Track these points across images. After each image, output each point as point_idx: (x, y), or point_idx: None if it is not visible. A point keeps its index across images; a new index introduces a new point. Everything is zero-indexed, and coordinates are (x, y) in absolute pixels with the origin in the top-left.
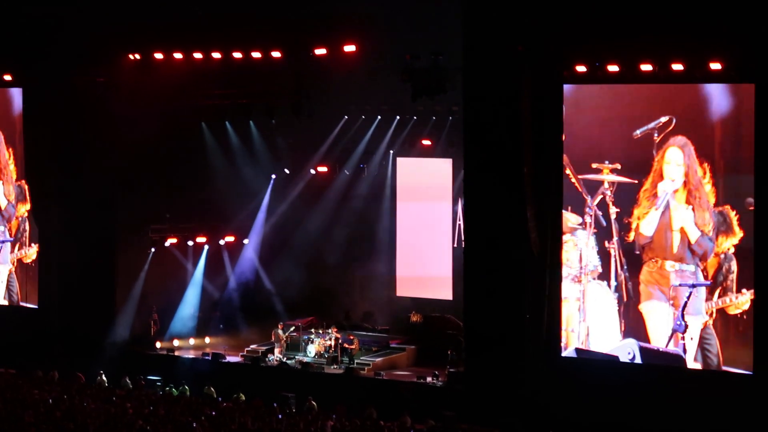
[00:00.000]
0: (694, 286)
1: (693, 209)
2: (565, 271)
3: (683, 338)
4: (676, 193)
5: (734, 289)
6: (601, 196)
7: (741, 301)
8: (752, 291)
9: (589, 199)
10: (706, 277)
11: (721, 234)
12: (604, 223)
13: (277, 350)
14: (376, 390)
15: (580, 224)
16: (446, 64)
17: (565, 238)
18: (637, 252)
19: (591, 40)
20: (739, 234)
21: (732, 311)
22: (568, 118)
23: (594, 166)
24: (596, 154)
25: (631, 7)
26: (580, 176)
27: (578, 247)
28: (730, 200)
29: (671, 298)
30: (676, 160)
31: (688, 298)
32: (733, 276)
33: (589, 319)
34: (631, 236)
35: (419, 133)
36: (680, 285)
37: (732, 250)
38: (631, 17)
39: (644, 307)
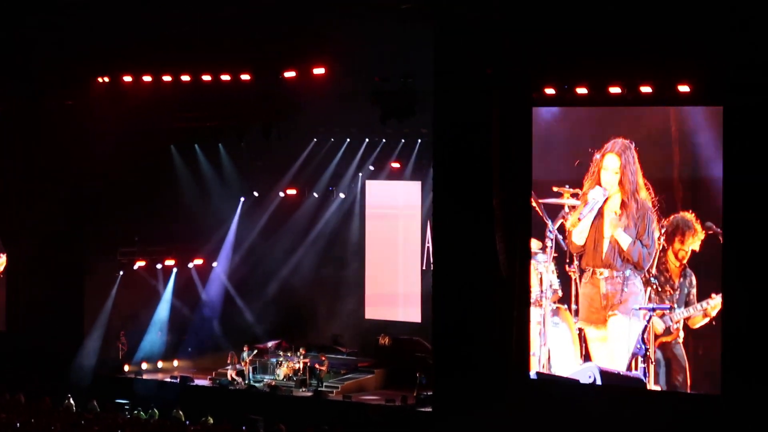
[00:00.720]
0: (653, 309)
1: (626, 216)
2: (537, 295)
3: (644, 361)
4: (608, 200)
5: (695, 301)
6: (561, 220)
7: (700, 312)
8: (713, 302)
9: (549, 223)
10: (646, 283)
11: (676, 239)
12: (565, 247)
13: (231, 372)
14: (345, 413)
15: (540, 248)
16: (416, 86)
17: (537, 258)
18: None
19: (560, 63)
20: (700, 237)
21: (695, 324)
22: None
23: (555, 189)
24: (556, 177)
25: (600, 30)
26: (541, 200)
27: (539, 270)
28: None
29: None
30: (612, 167)
31: (648, 321)
32: (694, 290)
33: (549, 343)
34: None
35: (388, 155)
36: (640, 308)
37: (687, 257)
38: (599, 40)
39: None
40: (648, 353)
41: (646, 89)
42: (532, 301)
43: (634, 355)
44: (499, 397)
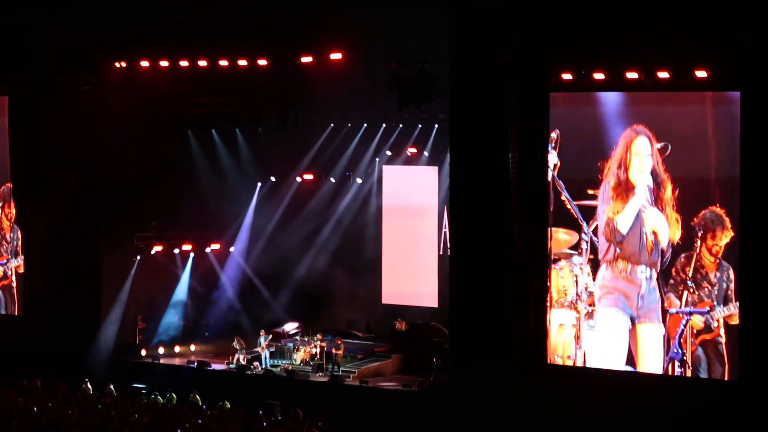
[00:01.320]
0: (691, 313)
1: (663, 209)
2: (562, 298)
3: (681, 366)
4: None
5: (734, 297)
6: (597, 223)
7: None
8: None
9: (584, 225)
10: (681, 287)
11: (708, 236)
12: (598, 242)
13: (240, 356)
14: (362, 398)
15: (576, 250)
16: (432, 72)
17: (561, 264)
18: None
19: (577, 48)
20: (729, 234)
21: (734, 321)
22: (564, 144)
23: (590, 192)
24: (591, 179)
25: (616, 15)
26: (576, 202)
27: (574, 273)
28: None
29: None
30: (645, 150)
31: (685, 325)
32: (732, 284)
33: (585, 346)
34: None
35: (405, 141)
36: (677, 312)
37: (721, 252)
38: (616, 25)
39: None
40: (685, 357)
41: (663, 75)
42: (567, 303)
43: (671, 360)
44: (516, 383)
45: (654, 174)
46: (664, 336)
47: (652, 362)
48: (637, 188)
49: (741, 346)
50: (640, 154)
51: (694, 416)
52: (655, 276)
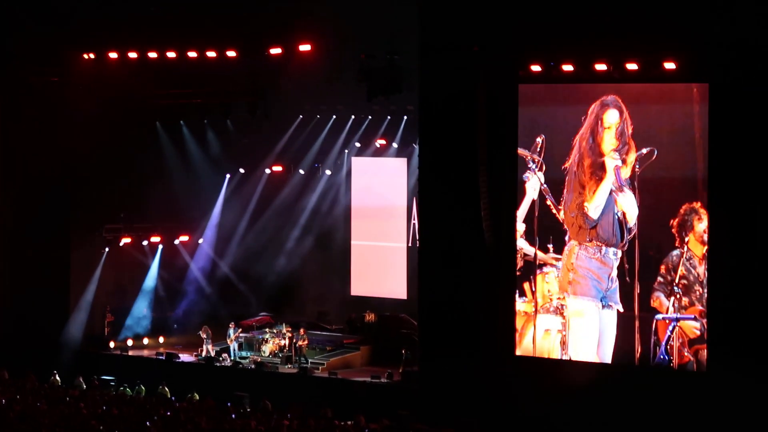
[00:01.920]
0: (678, 319)
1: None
2: (548, 303)
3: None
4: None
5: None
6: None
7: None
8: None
9: (568, 231)
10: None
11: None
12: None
13: (207, 347)
14: (331, 389)
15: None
16: (402, 63)
17: (546, 269)
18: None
19: (546, 40)
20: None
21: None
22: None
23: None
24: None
25: (586, 7)
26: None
27: (558, 278)
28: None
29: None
30: (614, 121)
31: (672, 331)
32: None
33: (570, 351)
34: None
35: (374, 132)
36: (663, 318)
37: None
38: (585, 17)
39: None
40: (672, 364)
41: (631, 66)
42: (552, 309)
43: (658, 365)
44: (485, 374)
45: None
46: (618, 319)
47: (607, 347)
48: (608, 169)
49: (710, 337)
50: (611, 128)
51: (665, 406)
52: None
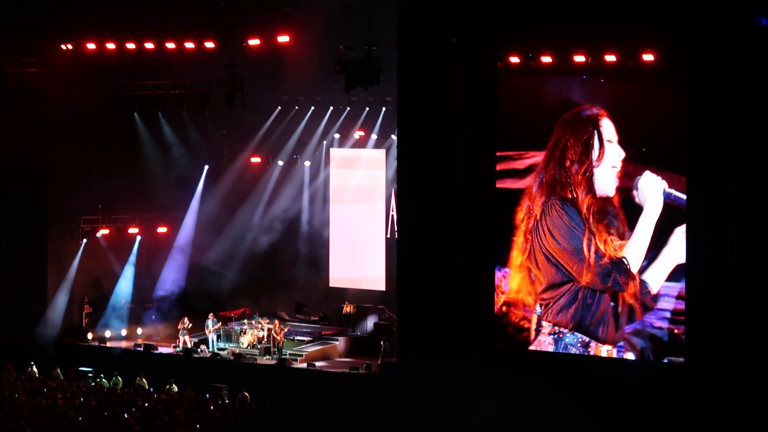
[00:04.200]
0: None
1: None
2: None
3: None
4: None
5: None
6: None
7: None
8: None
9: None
10: None
11: None
12: None
13: (183, 337)
14: (309, 381)
15: None
16: (380, 55)
17: None
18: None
19: (524, 32)
20: None
21: None
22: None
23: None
24: None
25: None
26: None
27: None
28: None
29: None
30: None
31: None
32: None
33: None
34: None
35: (353, 123)
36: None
37: None
38: (564, 8)
39: None
40: None
41: (610, 58)
42: None
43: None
44: (463, 365)
45: None
46: None
47: None
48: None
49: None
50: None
51: (645, 398)
52: None
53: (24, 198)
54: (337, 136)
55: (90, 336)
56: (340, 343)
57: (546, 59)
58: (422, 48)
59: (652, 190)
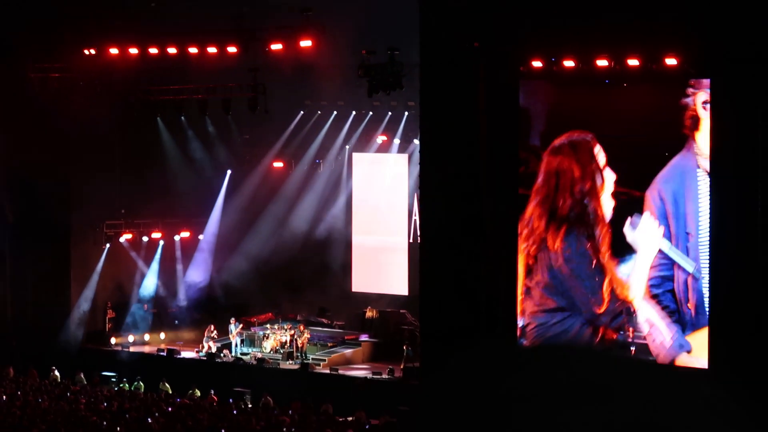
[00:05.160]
0: None
1: None
2: None
3: None
4: None
5: None
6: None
7: None
8: None
9: None
10: None
11: None
12: None
13: (208, 343)
14: (332, 385)
15: None
16: (403, 59)
17: None
18: None
19: (547, 36)
20: None
21: None
22: None
23: None
24: None
25: (587, 2)
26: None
27: None
28: None
29: None
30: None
31: None
32: None
33: None
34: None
35: (375, 128)
36: None
37: None
38: (586, 12)
39: None
40: None
41: (633, 62)
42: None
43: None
44: (487, 369)
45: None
46: None
47: None
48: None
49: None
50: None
51: (664, 398)
52: None
53: (47, 203)
54: (359, 140)
55: (113, 341)
56: (362, 347)
57: (569, 63)
58: (445, 52)
59: (648, 237)
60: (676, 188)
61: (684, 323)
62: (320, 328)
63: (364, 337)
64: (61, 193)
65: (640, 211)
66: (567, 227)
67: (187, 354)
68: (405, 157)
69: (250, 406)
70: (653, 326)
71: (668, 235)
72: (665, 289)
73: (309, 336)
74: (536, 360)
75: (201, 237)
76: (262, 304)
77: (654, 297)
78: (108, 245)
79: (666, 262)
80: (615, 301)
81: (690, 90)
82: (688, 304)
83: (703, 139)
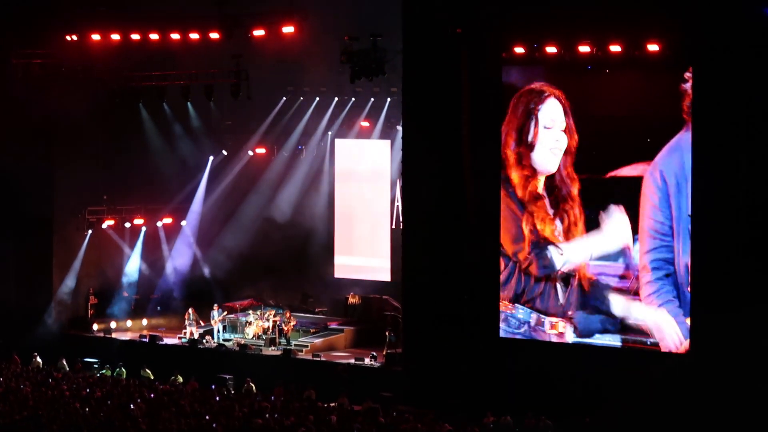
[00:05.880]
0: None
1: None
2: None
3: None
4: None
5: None
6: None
7: None
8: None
9: None
10: None
11: None
12: None
13: (191, 329)
14: (315, 371)
15: None
16: (385, 45)
17: None
18: None
19: (529, 22)
20: None
21: None
22: None
23: None
24: None
25: None
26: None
27: None
28: None
29: None
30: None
31: None
32: None
33: None
34: None
35: (357, 114)
36: None
37: None
38: None
39: None
40: None
41: (615, 48)
42: None
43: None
44: (468, 356)
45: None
46: None
47: None
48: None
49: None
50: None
51: (647, 385)
52: None
53: (29, 189)
54: (342, 126)
55: (95, 327)
56: (345, 333)
57: (551, 49)
58: (427, 38)
59: (618, 229)
60: (677, 170)
61: (685, 307)
62: (303, 314)
63: (334, 325)
64: (43, 179)
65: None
66: None
67: (170, 340)
68: (387, 143)
69: (232, 392)
70: (662, 332)
71: (669, 218)
72: (666, 272)
73: (295, 323)
74: (515, 350)
75: (184, 223)
76: (244, 290)
77: (654, 283)
78: (90, 231)
79: (667, 244)
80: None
81: (687, 75)
82: (689, 288)
83: None
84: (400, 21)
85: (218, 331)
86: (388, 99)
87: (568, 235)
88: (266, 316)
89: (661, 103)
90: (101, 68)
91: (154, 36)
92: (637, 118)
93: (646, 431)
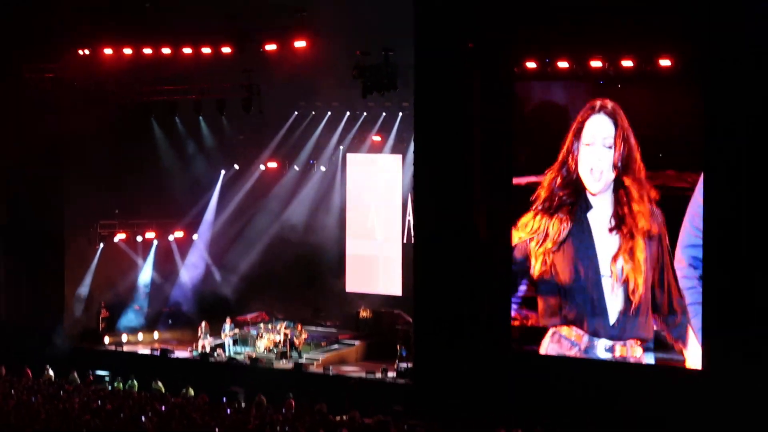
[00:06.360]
0: None
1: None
2: None
3: None
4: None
5: None
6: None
7: None
8: None
9: None
10: None
11: None
12: None
13: (203, 342)
14: (326, 385)
15: None
16: (397, 60)
17: None
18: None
19: (541, 37)
20: None
21: None
22: None
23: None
24: None
25: (581, 3)
26: None
27: None
28: None
29: None
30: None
31: None
32: None
33: None
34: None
35: (369, 129)
36: None
37: None
38: (581, 13)
39: None
40: None
41: (627, 63)
42: None
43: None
44: (480, 370)
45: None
46: None
47: None
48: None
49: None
50: (593, 143)
51: (658, 403)
52: None
53: (41, 203)
54: (353, 141)
55: (107, 340)
56: (356, 347)
57: (563, 64)
58: (439, 53)
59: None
60: None
61: None
62: (314, 328)
63: (345, 339)
64: (54, 192)
65: None
66: None
67: (181, 353)
68: (399, 157)
69: (243, 405)
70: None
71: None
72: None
73: (306, 336)
74: (527, 364)
75: (195, 237)
76: (255, 304)
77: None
78: (102, 245)
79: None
80: None
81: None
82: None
83: None
84: (412, 35)
85: (229, 345)
86: (400, 113)
87: None
88: (277, 329)
89: None
90: (113, 82)
91: (166, 50)
92: None
93: None
